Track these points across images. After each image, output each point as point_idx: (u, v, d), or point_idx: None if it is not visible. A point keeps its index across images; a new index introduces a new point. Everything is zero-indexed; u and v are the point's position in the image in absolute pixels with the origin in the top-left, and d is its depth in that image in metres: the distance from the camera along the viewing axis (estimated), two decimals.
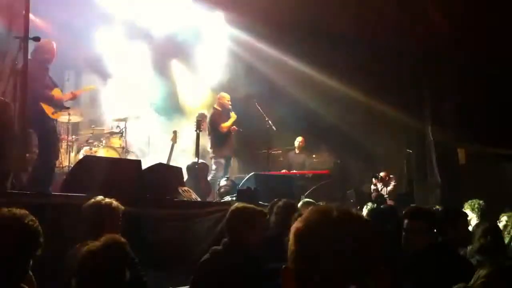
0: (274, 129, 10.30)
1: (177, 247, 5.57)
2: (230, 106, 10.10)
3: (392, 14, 11.22)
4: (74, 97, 7.84)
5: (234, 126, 10.11)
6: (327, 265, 1.34)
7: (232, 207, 4.00)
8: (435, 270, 3.39)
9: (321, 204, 6.90)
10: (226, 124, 9.89)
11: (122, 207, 4.05)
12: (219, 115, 10.04)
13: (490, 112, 11.59)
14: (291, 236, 1.44)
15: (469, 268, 3.49)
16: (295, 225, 1.45)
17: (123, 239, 2.91)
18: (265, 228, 4.06)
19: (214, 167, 9.96)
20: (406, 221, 3.90)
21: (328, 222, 1.39)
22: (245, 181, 8.79)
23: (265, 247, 3.98)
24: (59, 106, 7.26)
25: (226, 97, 10.22)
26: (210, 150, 10.08)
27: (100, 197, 4.07)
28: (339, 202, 10.05)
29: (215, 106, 10.23)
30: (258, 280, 3.50)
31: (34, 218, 2.99)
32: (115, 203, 4.02)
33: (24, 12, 6.18)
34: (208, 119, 10.08)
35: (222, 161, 10.00)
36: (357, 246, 1.35)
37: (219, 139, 9.97)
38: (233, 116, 10.02)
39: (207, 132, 10.01)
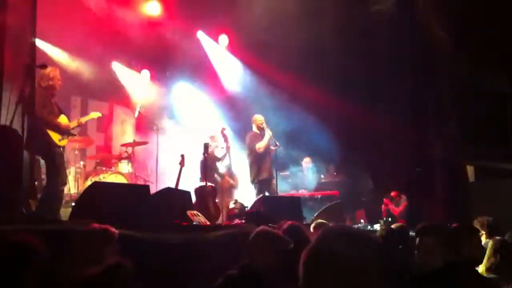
0: (281, 149, 10.20)
1: (186, 271, 5.52)
2: (264, 126, 9.96)
3: (396, 30, 11.29)
4: (80, 124, 7.87)
5: (272, 147, 10.01)
6: None
7: (258, 230, 3.94)
8: None
9: (329, 226, 6.84)
10: (260, 145, 9.78)
11: (117, 232, 4.05)
12: (254, 137, 9.96)
13: (498, 128, 11.54)
14: (302, 266, 1.40)
15: (489, 286, 3.43)
16: (306, 254, 1.42)
17: (123, 263, 2.88)
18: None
19: (255, 191, 9.85)
20: (418, 238, 3.83)
21: (336, 249, 1.36)
22: (254, 203, 8.75)
23: None
24: (66, 133, 7.29)
25: (258, 119, 10.11)
26: (250, 174, 9.99)
27: (95, 225, 4.09)
28: (349, 223, 9.98)
29: (253, 129, 10.13)
30: None
31: (42, 244, 2.99)
32: (110, 229, 4.03)
33: (31, 39, 6.26)
34: (246, 142, 10.08)
35: (259, 185, 9.86)
36: (368, 271, 1.31)
37: (257, 161, 9.91)
38: (268, 134, 9.87)
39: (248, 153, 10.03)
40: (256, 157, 9.84)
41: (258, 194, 9.69)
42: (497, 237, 4.86)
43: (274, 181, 9.98)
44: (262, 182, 9.81)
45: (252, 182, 9.90)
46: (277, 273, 3.71)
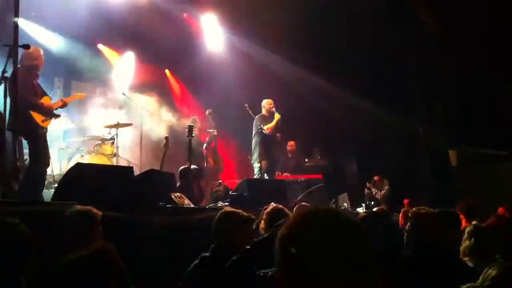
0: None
1: (170, 254, 5.54)
2: (273, 109, 10.24)
3: (383, 19, 11.31)
4: (64, 105, 7.77)
5: (278, 134, 10.29)
6: (314, 270, 1.32)
7: (220, 211, 3.99)
8: (439, 272, 3.36)
9: (307, 206, 6.89)
10: (269, 125, 9.98)
11: (100, 213, 4.05)
12: (263, 118, 10.19)
13: (481, 114, 11.65)
14: (277, 242, 1.42)
15: (468, 269, 3.49)
16: (281, 231, 1.43)
17: (110, 247, 2.89)
18: (255, 233, 4.02)
19: (255, 171, 10.06)
20: (410, 222, 3.89)
21: (313, 226, 1.37)
22: (238, 186, 8.78)
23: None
24: (49, 114, 7.22)
25: (268, 102, 10.39)
26: (252, 155, 10.16)
27: (78, 206, 4.08)
28: (332, 206, 10.06)
29: (262, 112, 10.36)
30: (246, 285, 3.47)
31: (25, 226, 2.98)
32: (93, 210, 4.02)
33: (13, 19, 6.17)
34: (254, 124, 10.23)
35: (261, 165, 10.03)
36: (344, 249, 1.33)
37: (263, 142, 10.04)
38: (277, 116, 10.13)
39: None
40: (262, 138, 9.98)
41: (258, 174, 9.84)
42: (474, 222, 4.93)
43: (277, 164, 10.14)
44: (266, 163, 9.96)
45: (255, 162, 10.03)
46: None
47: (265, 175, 9.92)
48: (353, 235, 1.38)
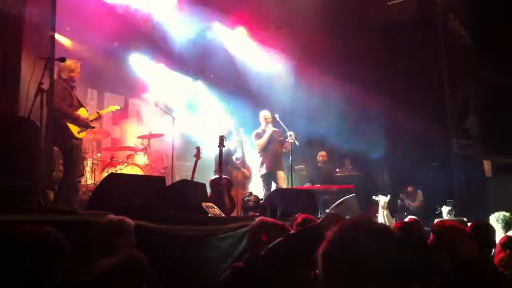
0: (297, 143, 10.22)
1: (201, 263, 5.56)
2: (268, 123, 10.06)
3: (418, 31, 11.24)
4: (99, 117, 7.94)
5: (290, 141, 10.02)
6: (352, 284, 1.31)
7: (255, 221, 3.98)
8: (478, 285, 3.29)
9: (347, 219, 6.81)
10: (259, 143, 9.91)
11: (133, 223, 4.09)
12: (257, 135, 10.10)
13: None
14: (319, 257, 1.42)
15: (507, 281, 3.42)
16: (323, 244, 1.43)
17: (140, 255, 2.92)
18: None
19: (261, 184, 10.07)
20: (438, 239, 3.82)
21: (353, 241, 1.37)
22: (268, 196, 8.77)
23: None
24: (85, 125, 7.36)
25: (263, 115, 10.24)
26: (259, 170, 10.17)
27: (111, 216, 4.13)
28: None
29: (261, 125, 10.24)
30: None
31: (59, 235, 3.03)
32: (126, 220, 4.07)
33: (49, 32, 6.31)
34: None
35: (263, 178, 10.04)
36: (384, 263, 1.32)
37: (262, 156, 10.09)
38: (268, 131, 9.96)
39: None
40: (260, 152, 10.03)
41: (263, 187, 9.83)
42: (508, 234, 4.83)
43: (279, 176, 10.02)
44: (265, 176, 9.92)
45: (260, 175, 10.04)
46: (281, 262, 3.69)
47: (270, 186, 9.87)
48: (393, 251, 1.37)
